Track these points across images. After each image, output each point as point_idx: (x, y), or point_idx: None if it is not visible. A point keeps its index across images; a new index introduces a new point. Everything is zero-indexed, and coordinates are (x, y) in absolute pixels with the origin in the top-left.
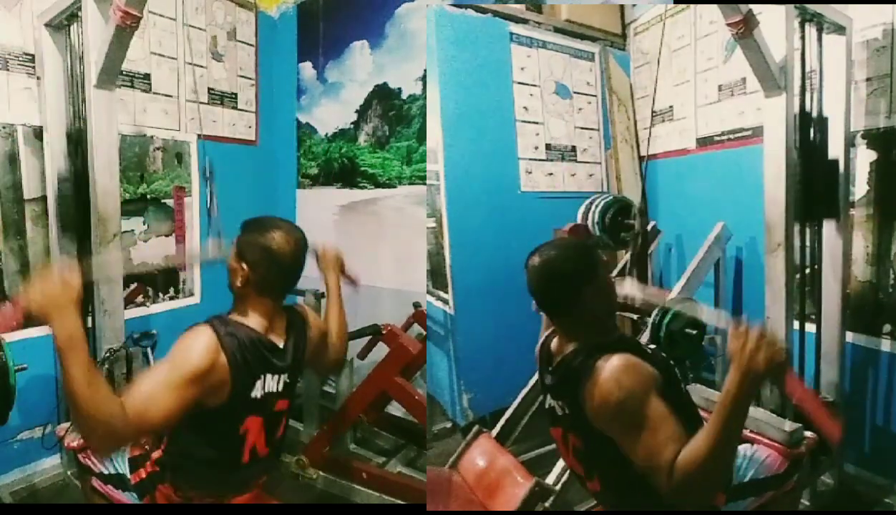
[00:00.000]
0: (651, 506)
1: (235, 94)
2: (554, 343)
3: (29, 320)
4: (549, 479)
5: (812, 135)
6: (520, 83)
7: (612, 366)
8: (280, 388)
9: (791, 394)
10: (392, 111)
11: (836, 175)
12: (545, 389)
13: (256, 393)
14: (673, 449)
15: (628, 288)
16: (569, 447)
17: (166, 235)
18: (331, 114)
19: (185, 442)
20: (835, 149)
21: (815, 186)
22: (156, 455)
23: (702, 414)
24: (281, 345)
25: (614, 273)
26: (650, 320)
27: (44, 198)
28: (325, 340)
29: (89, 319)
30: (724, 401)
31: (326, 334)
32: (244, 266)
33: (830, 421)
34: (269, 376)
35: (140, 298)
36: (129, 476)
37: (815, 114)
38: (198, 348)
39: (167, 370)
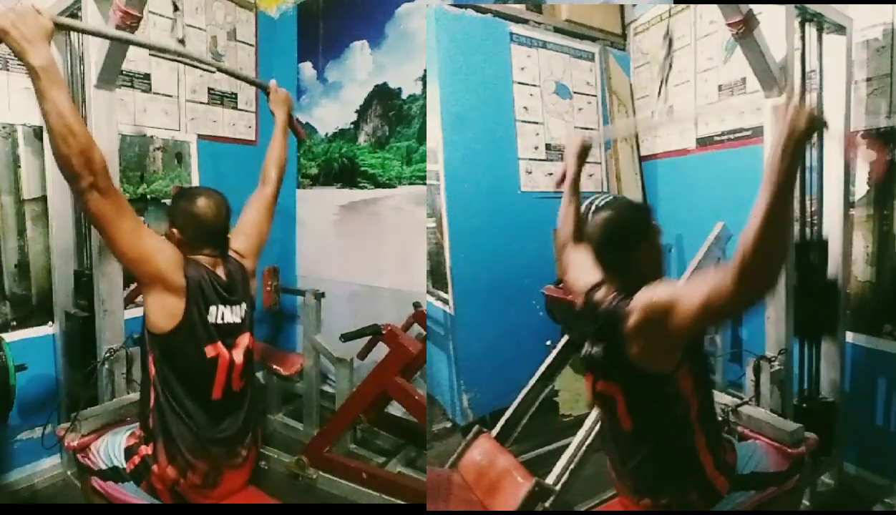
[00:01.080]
0: (675, 448)
1: (235, 94)
2: (599, 294)
3: None
4: (549, 479)
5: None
6: (520, 83)
7: (644, 289)
8: (238, 319)
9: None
10: (392, 111)
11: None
12: (590, 337)
13: (213, 318)
14: (723, 266)
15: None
16: (603, 393)
17: (165, 233)
18: (331, 114)
19: (164, 392)
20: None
21: None
22: (148, 449)
23: None
24: (225, 278)
25: None
26: None
27: (44, 198)
28: (261, 236)
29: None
30: (772, 169)
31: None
32: (174, 230)
33: (876, 157)
34: (223, 306)
35: (140, 298)
36: (124, 465)
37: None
38: (172, 249)
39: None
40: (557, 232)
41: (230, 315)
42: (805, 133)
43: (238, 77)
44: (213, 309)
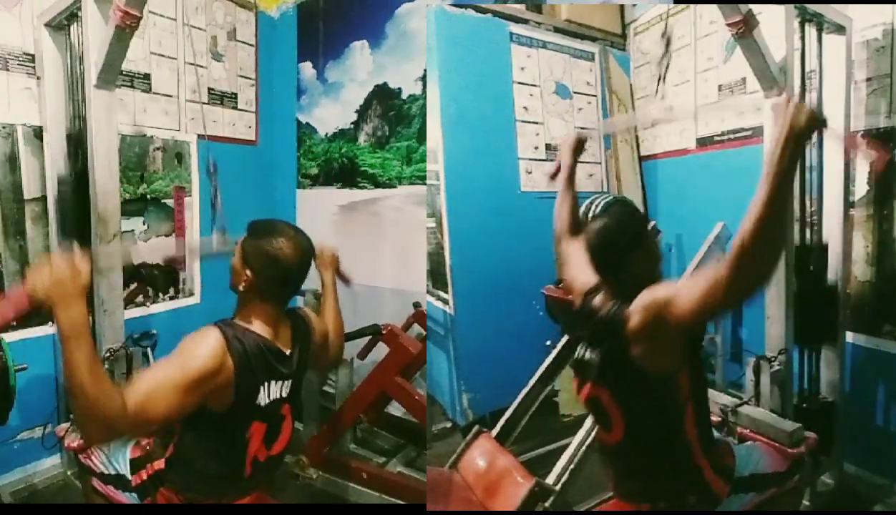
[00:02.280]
0: (670, 453)
1: (235, 94)
2: (597, 300)
3: (33, 307)
4: (549, 479)
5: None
6: (520, 83)
7: (643, 292)
8: (284, 394)
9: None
10: (392, 111)
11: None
12: (583, 342)
13: (261, 400)
14: (720, 262)
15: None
16: (595, 398)
17: (166, 235)
18: (331, 114)
19: (189, 451)
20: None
21: None
22: (158, 465)
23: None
24: (287, 352)
25: None
26: None
27: (44, 198)
28: (325, 342)
29: (90, 318)
30: (771, 167)
31: (326, 336)
32: (248, 272)
33: (878, 151)
34: (273, 383)
35: (140, 298)
36: (129, 477)
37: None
38: (205, 349)
39: (172, 368)
40: (555, 226)
41: (281, 390)
42: (805, 131)
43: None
44: (262, 389)
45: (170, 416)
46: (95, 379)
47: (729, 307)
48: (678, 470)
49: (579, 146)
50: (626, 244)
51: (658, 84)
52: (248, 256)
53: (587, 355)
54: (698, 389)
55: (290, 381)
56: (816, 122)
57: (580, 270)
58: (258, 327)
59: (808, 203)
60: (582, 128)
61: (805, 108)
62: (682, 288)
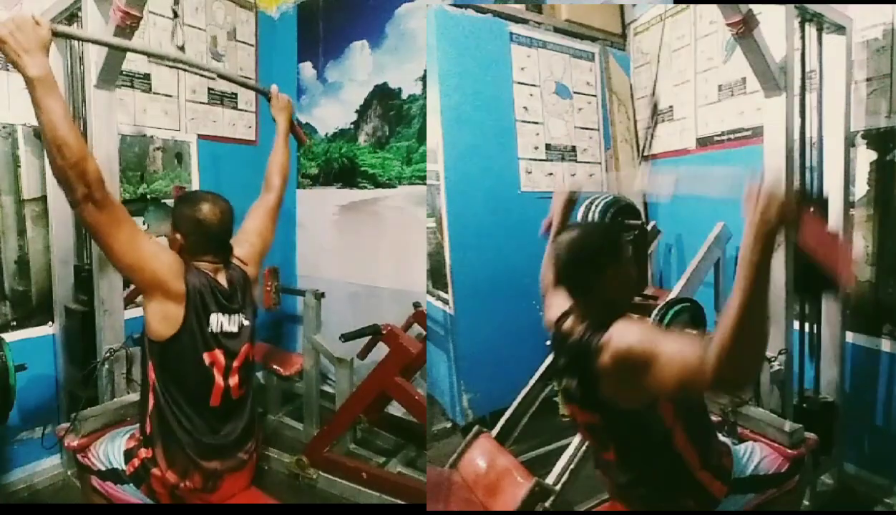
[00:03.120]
0: (665, 473)
1: (235, 94)
2: (567, 323)
3: None
4: (549, 479)
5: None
6: (520, 83)
7: (619, 327)
8: (236, 328)
9: (806, 245)
10: (392, 111)
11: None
12: (559, 370)
13: (213, 328)
14: (701, 344)
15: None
16: (584, 422)
17: (166, 235)
18: (331, 114)
19: (163, 398)
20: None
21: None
22: (147, 453)
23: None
24: (226, 286)
25: None
26: (653, 316)
27: (44, 198)
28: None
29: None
30: (745, 261)
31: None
32: (177, 235)
33: (846, 263)
34: (221, 315)
35: (140, 298)
36: (124, 467)
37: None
38: (174, 256)
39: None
40: (542, 276)
41: (230, 323)
42: (776, 225)
43: (238, 82)
44: (213, 317)
45: (117, 217)
46: (69, 125)
47: (709, 394)
48: (673, 482)
49: (571, 204)
50: (598, 260)
51: (652, 117)
52: (177, 222)
53: (568, 384)
54: (687, 408)
55: (239, 315)
56: (789, 215)
57: (556, 300)
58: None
59: (807, 81)
60: (582, 129)
61: (776, 200)
62: (659, 357)
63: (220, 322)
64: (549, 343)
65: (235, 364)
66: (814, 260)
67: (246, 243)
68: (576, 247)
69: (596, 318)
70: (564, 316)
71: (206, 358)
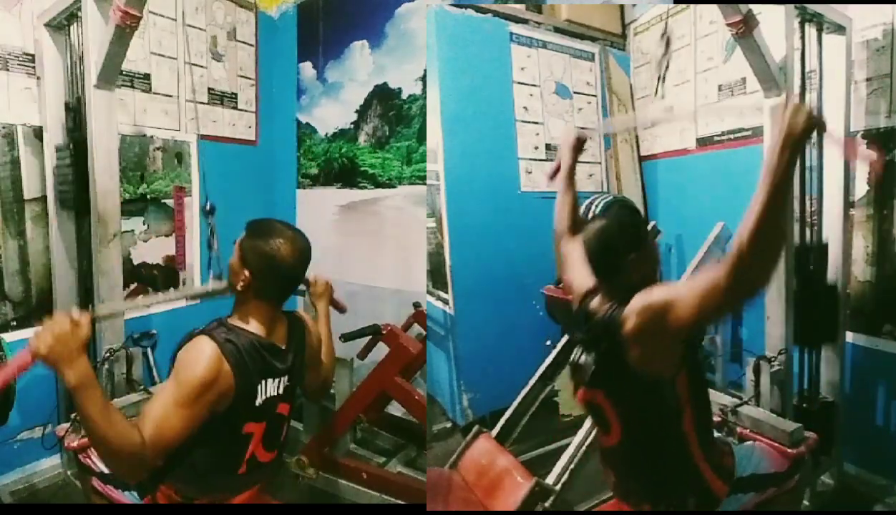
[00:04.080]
0: (669, 456)
1: (235, 94)
2: (594, 303)
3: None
4: (549, 479)
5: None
6: (520, 83)
7: (639, 294)
8: (281, 391)
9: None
10: (392, 111)
11: None
12: (580, 344)
13: (259, 398)
14: (718, 264)
15: None
16: (592, 401)
17: (166, 235)
18: (331, 114)
19: (187, 447)
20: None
21: None
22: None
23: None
24: (282, 347)
25: None
26: None
27: (44, 198)
28: (318, 354)
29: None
30: (770, 167)
31: (321, 345)
32: (246, 272)
33: (875, 157)
34: (270, 380)
35: (140, 298)
36: None
37: None
38: (201, 361)
39: (174, 388)
40: (556, 223)
41: (277, 387)
42: (803, 133)
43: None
44: (259, 387)
45: (185, 434)
46: (110, 424)
47: (728, 310)
48: (677, 472)
49: (579, 145)
50: (625, 246)
51: (658, 83)
52: (246, 256)
53: (583, 358)
54: (697, 391)
55: (286, 378)
56: (814, 124)
57: (579, 271)
58: (253, 326)
59: (808, 203)
60: (582, 128)
61: (803, 110)
62: (680, 291)
63: (266, 389)
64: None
65: (274, 429)
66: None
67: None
68: (605, 233)
69: (622, 297)
70: (590, 294)
71: (248, 428)
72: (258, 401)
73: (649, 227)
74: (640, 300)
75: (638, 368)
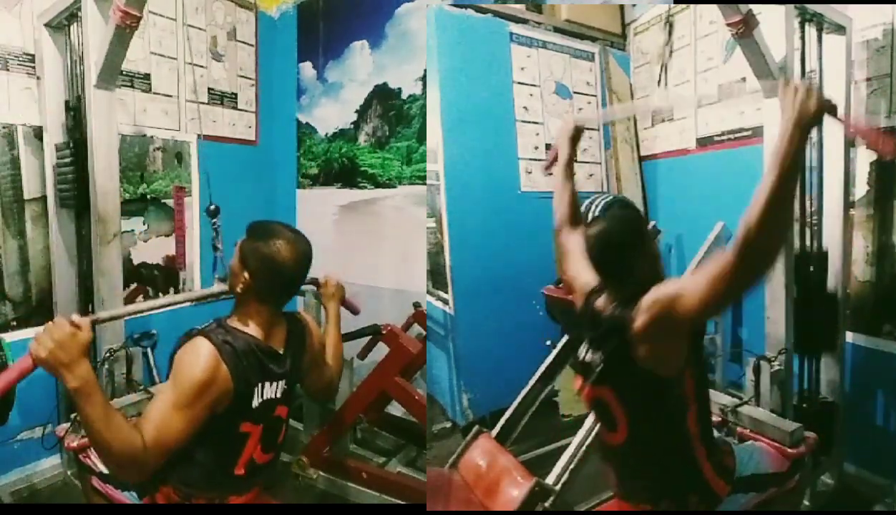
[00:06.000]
0: (673, 453)
1: (235, 94)
2: (600, 301)
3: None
4: (549, 479)
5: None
6: (520, 83)
7: (649, 293)
8: (279, 394)
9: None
10: (392, 111)
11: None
12: (587, 342)
13: (255, 400)
14: (723, 253)
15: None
16: (598, 398)
17: (166, 235)
18: (331, 114)
19: (186, 448)
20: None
21: None
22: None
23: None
24: (280, 351)
25: None
26: None
27: (44, 198)
28: (322, 356)
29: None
30: (779, 152)
31: (324, 347)
32: (246, 274)
33: (887, 141)
34: (267, 383)
35: (140, 298)
36: None
37: None
38: (199, 363)
39: (173, 391)
40: (555, 211)
41: (275, 391)
42: (814, 117)
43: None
44: (257, 389)
45: (186, 435)
46: (111, 428)
47: (736, 295)
48: (680, 469)
49: (577, 135)
50: (627, 247)
51: (661, 72)
52: (247, 258)
53: (589, 356)
54: (701, 388)
55: (283, 381)
56: (825, 107)
57: (581, 269)
58: (252, 328)
59: (808, 203)
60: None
61: (814, 93)
62: (687, 282)
63: (263, 392)
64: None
65: (272, 431)
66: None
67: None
68: (606, 237)
69: (628, 295)
70: (595, 292)
71: (245, 428)
72: (255, 403)
73: (649, 227)
74: (649, 297)
75: (645, 366)
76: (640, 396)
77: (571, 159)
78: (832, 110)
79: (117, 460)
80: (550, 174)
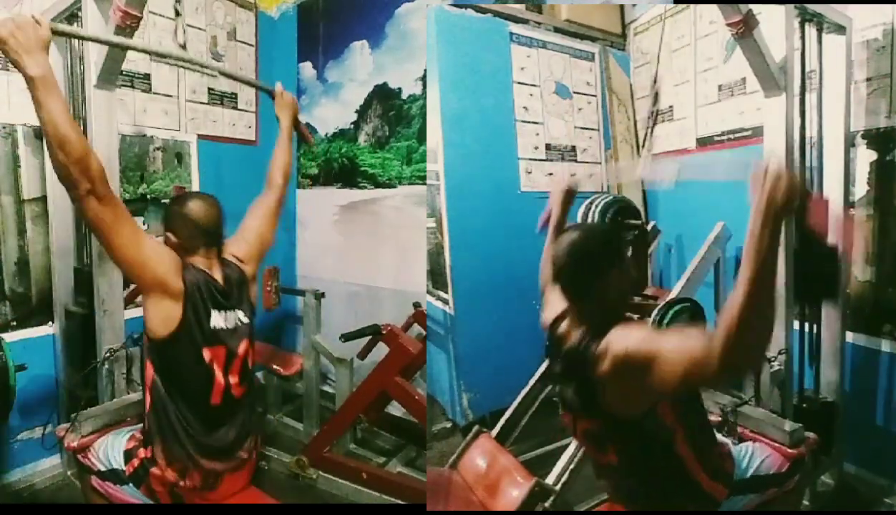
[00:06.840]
0: (667, 477)
1: (235, 94)
2: (563, 327)
3: None
4: (549, 479)
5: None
6: (520, 83)
7: (615, 333)
8: (233, 326)
9: (813, 224)
10: (392, 111)
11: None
12: (554, 377)
13: (209, 324)
14: (704, 334)
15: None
16: (580, 429)
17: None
18: (331, 114)
19: (163, 397)
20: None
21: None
22: (146, 452)
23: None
24: (222, 282)
25: None
26: (653, 316)
27: (44, 198)
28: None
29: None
30: (752, 244)
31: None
32: (170, 234)
33: (850, 237)
34: (215, 311)
35: (140, 298)
36: (123, 468)
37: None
38: (172, 255)
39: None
40: (541, 271)
41: (227, 320)
42: (784, 207)
43: (241, 80)
44: (211, 314)
45: (119, 214)
46: (70, 122)
47: (713, 385)
48: (675, 485)
49: (570, 197)
50: (598, 264)
51: (647, 136)
52: (167, 221)
53: (564, 392)
54: (687, 410)
55: (234, 312)
56: (797, 196)
57: (553, 300)
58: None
59: (807, 81)
60: (582, 129)
61: (784, 180)
62: (664, 350)
63: (218, 318)
64: (547, 344)
65: (235, 360)
66: (817, 244)
67: (244, 242)
68: (575, 249)
69: (594, 323)
70: (560, 318)
71: (207, 354)
72: (209, 327)
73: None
74: (619, 343)
75: (610, 408)
76: (619, 426)
77: (563, 219)
78: (805, 196)
79: (71, 154)
80: (543, 232)
